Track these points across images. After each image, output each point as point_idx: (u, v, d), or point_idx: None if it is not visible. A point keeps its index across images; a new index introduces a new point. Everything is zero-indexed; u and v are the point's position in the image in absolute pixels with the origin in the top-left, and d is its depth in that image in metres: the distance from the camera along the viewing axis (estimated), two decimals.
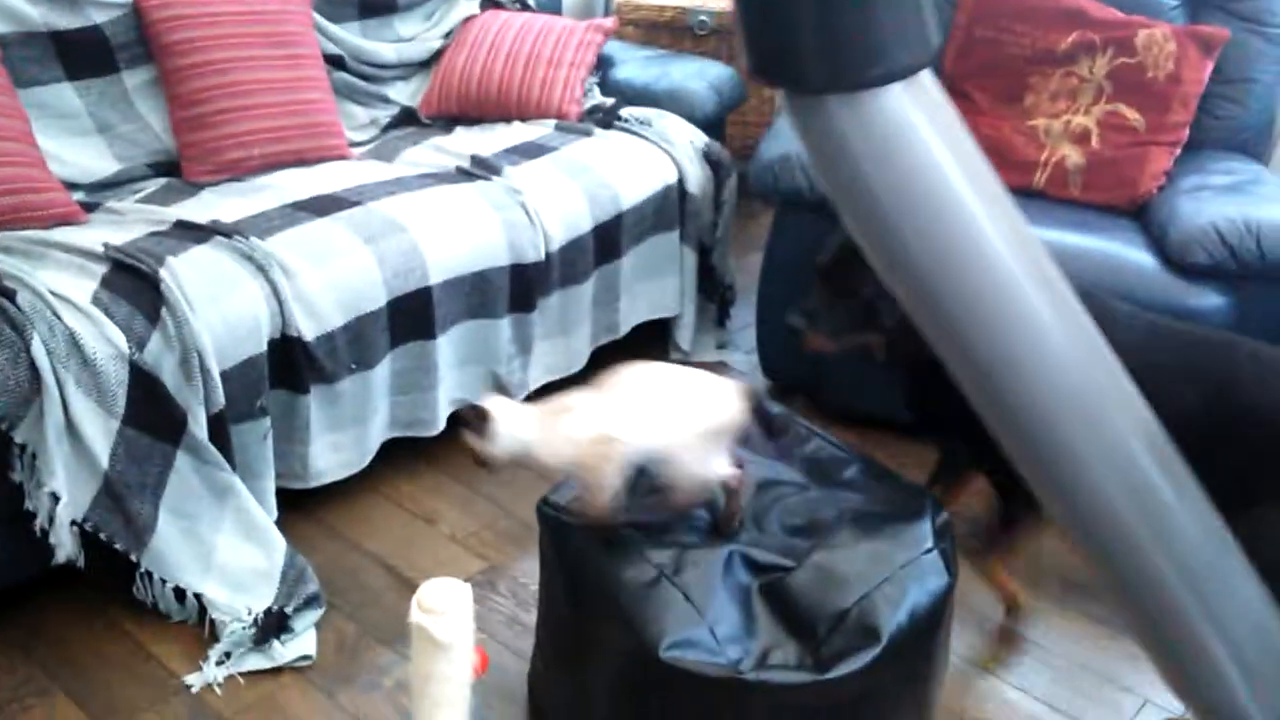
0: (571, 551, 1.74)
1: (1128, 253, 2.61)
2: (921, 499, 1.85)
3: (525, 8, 3.34)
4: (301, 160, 2.66)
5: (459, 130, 2.99)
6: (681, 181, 2.92)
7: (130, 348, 1.94)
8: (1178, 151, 2.88)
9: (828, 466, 1.94)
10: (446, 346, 2.48)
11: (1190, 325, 1.99)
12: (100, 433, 1.92)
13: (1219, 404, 1.86)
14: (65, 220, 2.24)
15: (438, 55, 3.17)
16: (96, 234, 2.17)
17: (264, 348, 2.13)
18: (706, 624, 1.61)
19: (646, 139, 2.94)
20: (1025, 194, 2.90)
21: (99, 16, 2.51)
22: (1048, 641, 2.22)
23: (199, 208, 2.36)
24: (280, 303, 2.15)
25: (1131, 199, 2.85)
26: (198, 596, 2.05)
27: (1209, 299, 2.52)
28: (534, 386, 2.73)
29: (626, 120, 3.01)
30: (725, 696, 1.56)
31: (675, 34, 3.77)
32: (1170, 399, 1.86)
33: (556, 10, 3.52)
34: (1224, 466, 1.83)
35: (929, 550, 1.73)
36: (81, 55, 2.48)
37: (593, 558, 1.70)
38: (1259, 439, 1.84)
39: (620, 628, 1.63)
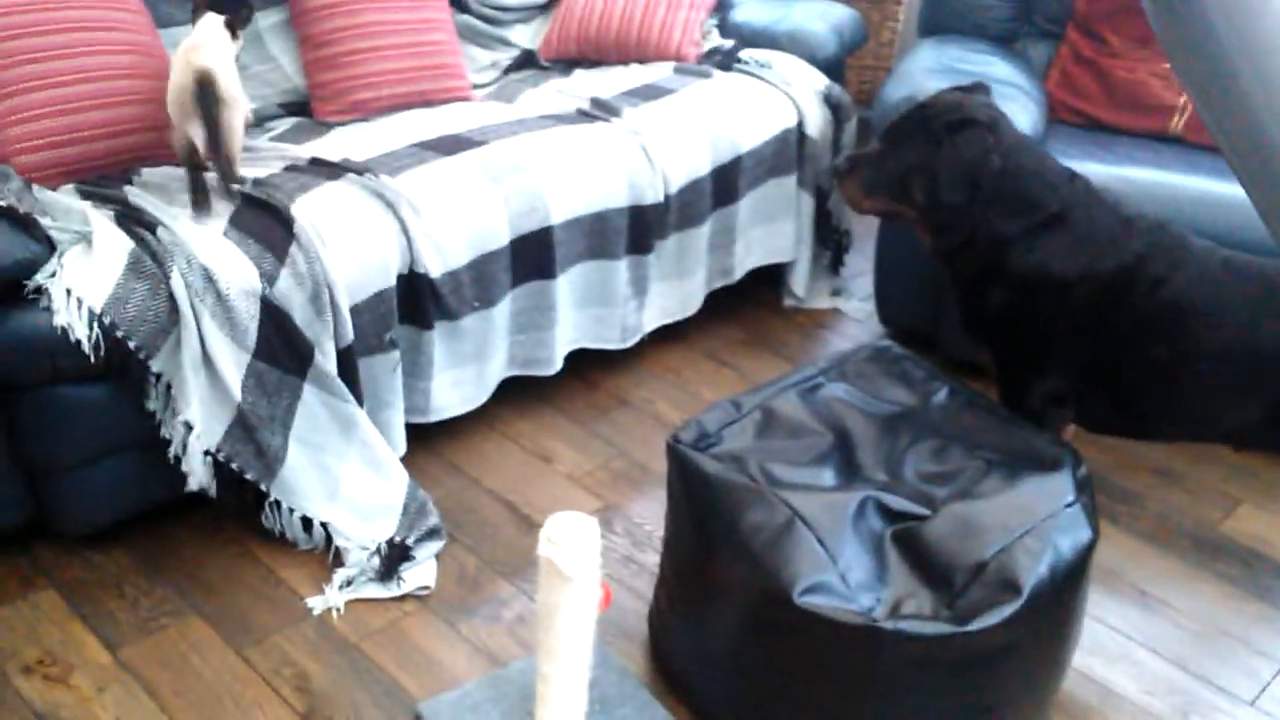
0: (702, 491, 1.73)
1: None
2: (1060, 450, 1.79)
3: None
4: (427, 101, 2.67)
5: (578, 73, 2.96)
6: (801, 125, 2.87)
7: (262, 283, 1.97)
8: None
9: (960, 414, 1.89)
10: (565, 287, 2.48)
11: (1270, 261, 1.90)
12: (233, 365, 1.96)
13: None
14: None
15: None
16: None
17: (393, 282, 2.15)
18: (839, 570, 1.59)
19: (766, 81, 2.88)
20: (1162, 139, 2.78)
21: None
22: (1179, 602, 2.15)
23: (329, 146, 2.39)
24: (408, 240, 2.17)
25: None
26: (324, 525, 2.09)
27: None
28: (648, 329, 2.72)
29: (746, 62, 2.95)
30: (859, 643, 1.54)
31: None
32: (1254, 336, 1.81)
33: None
34: None
35: (1071, 503, 1.68)
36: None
37: (724, 498, 1.68)
38: None
39: (751, 570, 1.62)
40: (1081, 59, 2.88)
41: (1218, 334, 1.85)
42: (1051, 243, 1.93)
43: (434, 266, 2.21)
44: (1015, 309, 1.98)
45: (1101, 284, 1.90)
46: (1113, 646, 2.03)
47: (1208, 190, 2.50)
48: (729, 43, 3.07)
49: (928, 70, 2.76)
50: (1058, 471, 1.75)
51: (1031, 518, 1.65)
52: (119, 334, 1.84)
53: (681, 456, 1.78)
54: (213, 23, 2.18)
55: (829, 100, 2.94)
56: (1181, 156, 2.67)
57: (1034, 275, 1.93)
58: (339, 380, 2.08)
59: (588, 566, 1.60)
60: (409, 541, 2.09)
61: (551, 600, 1.62)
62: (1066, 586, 1.65)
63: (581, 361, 2.64)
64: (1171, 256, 1.89)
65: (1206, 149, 2.73)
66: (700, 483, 1.74)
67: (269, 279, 1.98)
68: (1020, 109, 2.60)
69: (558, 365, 2.55)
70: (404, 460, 2.24)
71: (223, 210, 2.06)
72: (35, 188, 2.06)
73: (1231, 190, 2.51)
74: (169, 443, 1.96)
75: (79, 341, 1.81)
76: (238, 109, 2.10)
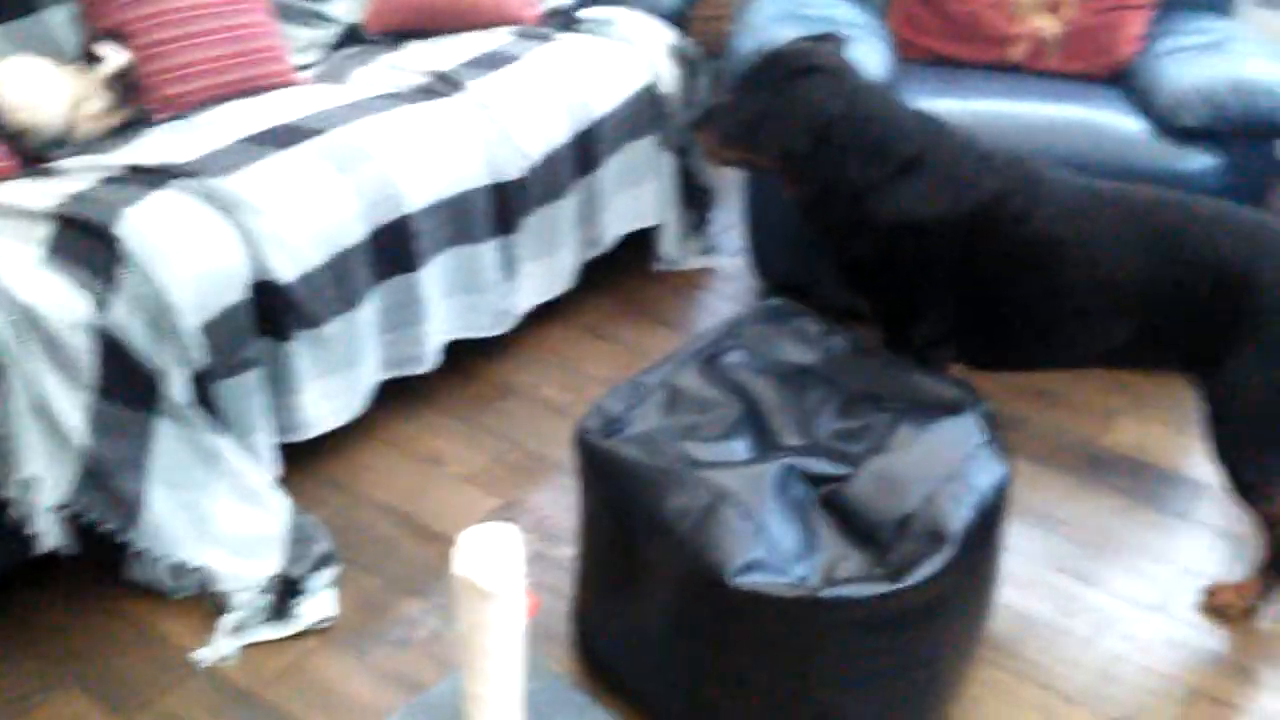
0: (618, 480, 1.63)
1: (1113, 120, 2.55)
2: (961, 390, 1.77)
3: None
4: (248, 90, 2.45)
5: (410, 45, 2.78)
6: (654, 83, 2.77)
7: (93, 313, 1.77)
8: (1151, 13, 2.79)
9: (859, 365, 1.85)
10: (431, 277, 2.33)
11: (1128, 186, 1.93)
12: (72, 408, 1.76)
13: (1167, 264, 1.81)
14: None
15: None
16: (40, 189, 1.97)
17: (243, 294, 1.97)
18: (769, 543, 1.52)
19: (612, 40, 2.77)
20: (1001, 68, 2.80)
21: None
22: (1079, 519, 2.18)
23: (146, 150, 2.16)
24: (253, 245, 1.98)
25: (1110, 66, 2.76)
26: (200, 569, 1.92)
27: (1199, 161, 2.46)
28: (523, 311, 2.60)
29: (588, 21, 2.83)
30: (799, 616, 1.49)
31: None
32: (1118, 262, 1.82)
33: None
34: (1182, 326, 1.81)
35: (983, 443, 1.66)
36: None
37: (642, 485, 1.59)
38: (1211, 296, 1.79)
39: (679, 555, 1.54)
40: None
41: (1084, 263, 1.87)
42: (910, 188, 1.90)
43: (286, 271, 2.03)
44: (882, 256, 1.95)
45: (964, 224, 1.89)
46: (1023, 573, 2.04)
47: (1054, 116, 2.53)
48: (567, 2, 2.94)
49: (774, 18, 2.69)
50: (964, 413, 1.73)
51: (948, 463, 1.62)
52: None
53: (591, 446, 1.68)
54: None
55: (679, 55, 2.85)
56: (1023, 84, 2.69)
57: (896, 221, 1.90)
58: (195, 409, 1.90)
59: (511, 580, 1.50)
60: (299, 573, 1.93)
61: (475, 620, 1.50)
62: (990, 526, 1.64)
63: (458, 353, 2.50)
64: (1031, 190, 1.90)
65: (1046, 74, 2.77)
66: (615, 471, 1.65)
67: (101, 307, 1.78)
68: (870, 50, 2.56)
69: (433, 361, 2.41)
70: (280, 484, 2.07)
71: (39, 236, 1.83)
72: None
73: (1075, 112, 2.55)
74: (8, 504, 1.74)
75: None
76: None
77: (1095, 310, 1.89)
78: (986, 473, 1.61)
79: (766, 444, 1.70)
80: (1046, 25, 2.76)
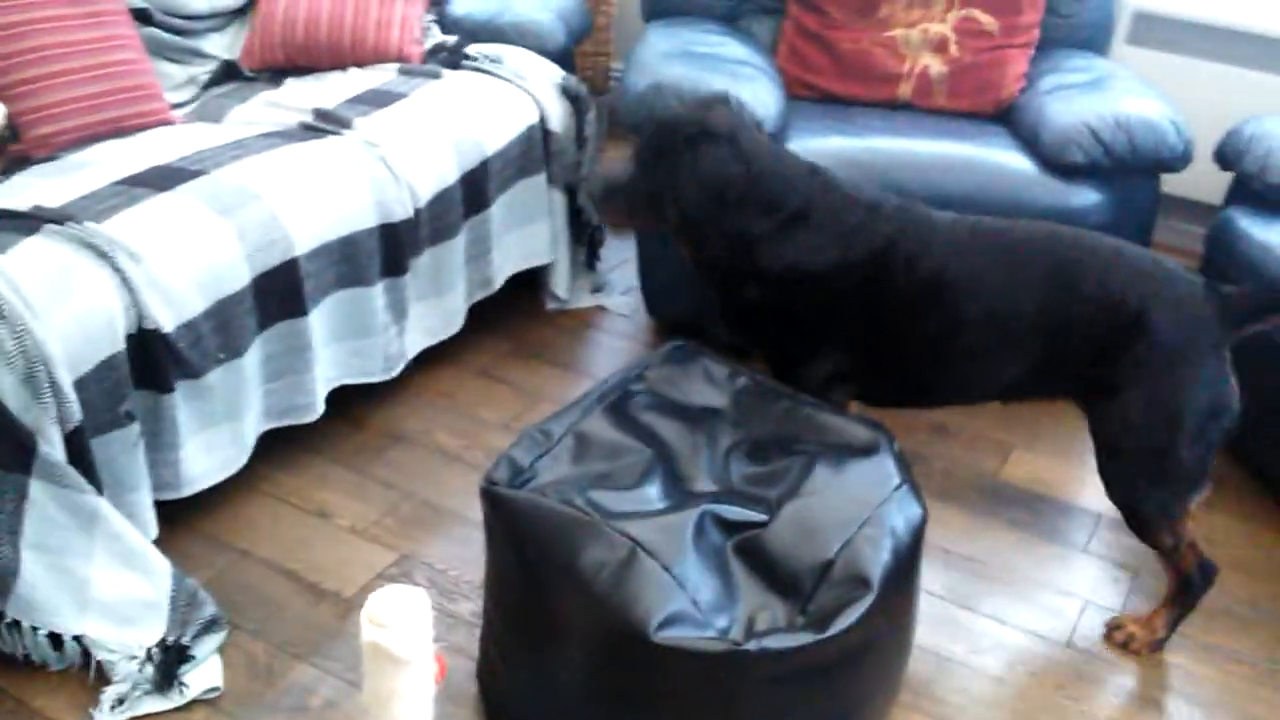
0: (528, 533, 1.58)
1: (1002, 157, 2.61)
2: (874, 431, 1.77)
3: None
4: (121, 129, 2.32)
5: (289, 82, 2.70)
6: (543, 120, 2.74)
7: None
8: (1032, 52, 2.89)
9: (768, 407, 1.84)
10: (319, 322, 2.24)
11: (1020, 225, 2.00)
12: None
13: (1061, 301, 1.88)
14: None
15: (253, 1, 2.85)
16: None
17: (121, 345, 1.85)
18: (689, 595, 1.49)
19: (500, 78, 2.73)
20: (892, 106, 2.86)
21: None
22: (981, 555, 2.21)
23: (12, 193, 2.03)
24: (131, 293, 1.87)
25: (995, 104, 2.85)
26: (78, 639, 1.78)
27: (1086, 197, 2.54)
28: (412, 354, 2.52)
29: (475, 59, 2.78)
30: (723, 669, 1.46)
31: None
32: (1013, 301, 1.88)
33: None
34: (1076, 361, 1.87)
35: (899, 485, 1.66)
36: None
37: (556, 538, 1.54)
38: (1106, 331, 1.85)
39: (597, 611, 1.50)
40: (807, 33, 2.90)
41: (977, 302, 1.92)
42: (798, 239, 1.95)
43: (166, 320, 1.92)
44: (773, 303, 2.00)
45: (857, 272, 1.94)
46: (933, 611, 2.05)
47: (943, 154, 2.59)
48: (451, 38, 2.89)
49: (665, 55, 2.69)
50: (878, 454, 1.73)
51: (866, 506, 1.62)
52: None
53: (499, 499, 1.63)
54: None
55: (567, 92, 2.82)
56: (913, 122, 2.75)
57: (786, 273, 1.95)
58: (70, 468, 1.77)
59: (421, 645, 1.43)
60: (185, 640, 1.82)
61: (384, 687, 1.44)
62: (909, 568, 1.64)
63: (344, 400, 2.40)
64: (920, 235, 1.96)
65: (934, 112, 2.83)
66: (526, 524, 1.59)
67: None
68: (763, 89, 2.58)
69: (320, 409, 2.30)
70: (159, 544, 1.94)
71: None
72: None
73: (964, 149, 2.61)
74: None
75: None
76: None
77: (992, 348, 1.95)
78: (903, 515, 1.62)
79: (680, 490, 1.67)
80: (933, 64, 2.83)
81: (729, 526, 1.59)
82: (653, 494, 1.66)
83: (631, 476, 1.68)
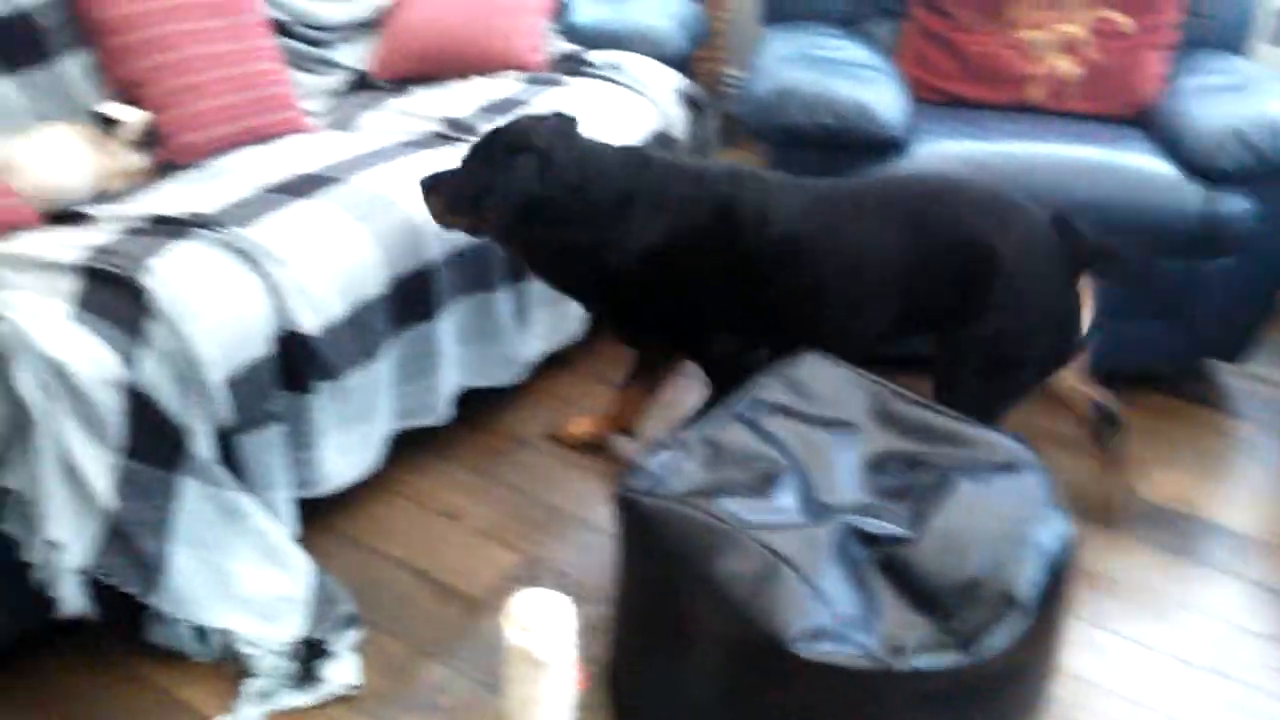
0: (664, 541, 1.58)
1: (1141, 162, 2.52)
2: (1020, 446, 1.73)
3: None
4: (260, 137, 2.40)
5: (417, 91, 2.74)
6: (664, 127, 2.74)
7: (122, 369, 1.70)
8: (1170, 53, 2.80)
9: (907, 418, 1.81)
10: (448, 327, 2.28)
11: (856, 180, 2.14)
12: (99, 468, 1.68)
13: (920, 245, 1.97)
14: (18, 227, 1.96)
15: (384, 13, 2.91)
16: (60, 240, 1.91)
17: (267, 348, 1.91)
18: (830, 609, 1.47)
19: (621, 85, 2.75)
20: (1021, 110, 2.80)
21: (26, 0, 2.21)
22: (1125, 577, 2.14)
23: (166, 200, 2.11)
24: (278, 297, 1.93)
25: (1132, 106, 2.77)
26: (222, 632, 1.84)
27: (1233, 203, 2.44)
28: (535, 359, 2.55)
29: (596, 66, 2.80)
30: (868, 688, 1.43)
31: None
32: (875, 250, 1.98)
33: None
34: (938, 297, 1.99)
35: (1049, 502, 1.62)
36: (12, 45, 2.18)
37: (692, 546, 1.54)
38: (963, 266, 1.95)
39: (735, 621, 1.49)
40: (931, 36, 2.86)
41: (840, 254, 2.00)
42: (628, 226, 2.01)
43: (309, 323, 1.97)
44: (638, 293, 2.07)
45: (701, 240, 2.01)
46: (1072, 634, 1.99)
47: (1079, 158, 2.51)
48: (573, 47, 2.92)
49: (786, 60, 2.68)
50: (1024, 470, 1.69)
51: (1014, 524, 1.58)
52: None
53: (635, 505, 1.63)
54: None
55: (686, 98, 2.83)
56: (1044, 125, 2.68)
57: (629, 260, 2.02)
58: (220, 466, 1.83)
59: (565, 650, 1.44)
60: (324, 636, 1.86)
61: (527, 692, 1.45)
62: (1059, 589, 1.60)
63: (468, 404, 2.44)
64: (758, 196, 2.01)
65: (1066, 115, 2.76)
66: (661, 532, 1.59)
67: (129, 363, 1.71)
68: (887, 93, 2.55)
69: (445, 412, 2.35)
70: (297, 542, 2.00)
71: (66, 289, 1.77)
72: None
73: (1100, 154, 2.53)
74: (31, 566, 1.67)
75: None
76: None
77: (863, 297, 2.03)
78: (1052, 533, 1.57)
79: (816, 501, 1.65)
80: (1065, 66, 2.76)
81: (870, 540, 1.57)
82: (788, 504, 1.65)
83: (766, 486, 1.66)
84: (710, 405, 2.10)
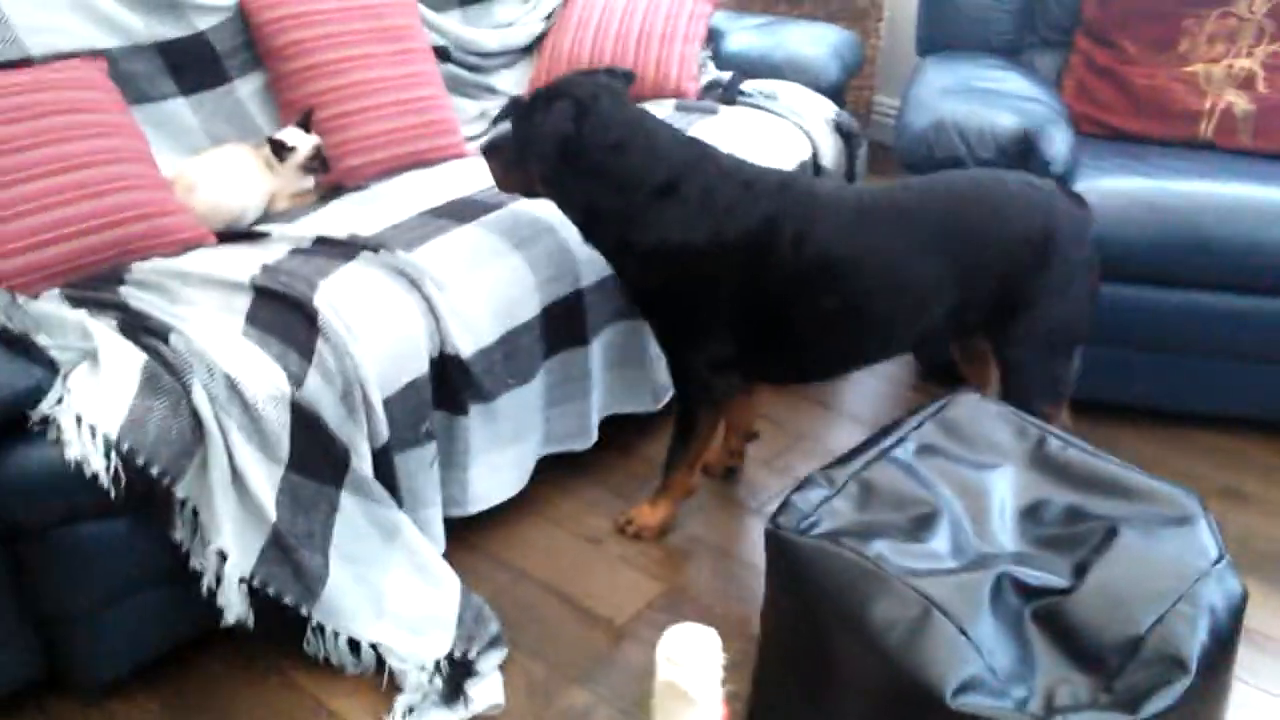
0: (816, 582, 1.56)
1: None
2: (1188, 497, 1.66)
3: None
4: (422, 161, 2.48)
5: None
6: (815, 155, 2.73)
7: (290, 386, 1.77)
8: None
9: (1069, 465, 1.74)
10: (598, 352, 2.31)
11: (899, 187, 2.08)
12: (265, 481, 1.75)
13: (973, 249, 1.98)
14: (194, 244, 2.07)
15: (540, 39, 2.97)
16: (233, 257, 2.00)
17: (425, 369, 1.96)
18: (985, 661, 1.43)
19: (774, 113, 2.75)
20: (1191, 145, 2.69)
21: (203, 23, 2.34)
22: None
23: (329, 221, 2.19)
24: (436, 319, 1.98)
25: None
26: (374, 646, 1.89)
27: None
28: None
29: (750, 94, 2.81)
30: None
31: None
32: (923, 261, 1.96)
33: None
34: (991, 294, 2.01)
35: (1219, 559, 1.54)
36: (191, 66, 2.31)
37: (844, 589, 1.52)
38: (1021, 260, 1.98)
39: (889, 669, 1.45)
40: (1097, 68, 2.78)
41: (881, 272, 1.98)
42: (666, 213, 1.97)
43: (465, 346, 2.02)
44: (655, 281, 2.03)
45: (737, 250, 1.97)
46: (1235, 696, 1.89)
47: (1259, 199, 2.39)
48: (726, 75, 2.93)
49: (945, 91, 2.63)
50: (1193, 523, 1.61)
51: (1181, 580, 1.51)
52: (139, 461, 1.62)
53: (785, 542, 1.61)
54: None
55: (839, 128, 2.81)
56: (1217, 163, 2.57)
57: (656, 247, 1.98)
58: (377, 483, 1.89)
59: (712, 686, 1.44)
60: (471, 654, 1.89)
61: None
62: (1226, 652, 1.52)
63: (612, 430, 2.46)
64: (803, 212, 1.97)
65: (1239, 153, 2.64)
66: (812, 571, 1.57)
67: (296, 381, 1.78)
68: (1051, 126, 2.48)
69: (594, 437, 2.37)
70: (445, 560, 2.04)
71: (238, 306, 1.85)
72: (20, 298, 1.83)
73: (1276, 196, 2.41)
74: (197, 574, 1.74)
75: (95, 475, 1.59)
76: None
77: (906, 307, 2.02)
78: (1221, 592, 1.50)
79: (970, 548, 1.61)
80: (1238, 101, 2.64)
81: (1027, 591, 1.52)
82: (941, 550, 1.60)
83: (920, 530, 1.63)
84: (680, 426, 2.19)
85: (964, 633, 1.44)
